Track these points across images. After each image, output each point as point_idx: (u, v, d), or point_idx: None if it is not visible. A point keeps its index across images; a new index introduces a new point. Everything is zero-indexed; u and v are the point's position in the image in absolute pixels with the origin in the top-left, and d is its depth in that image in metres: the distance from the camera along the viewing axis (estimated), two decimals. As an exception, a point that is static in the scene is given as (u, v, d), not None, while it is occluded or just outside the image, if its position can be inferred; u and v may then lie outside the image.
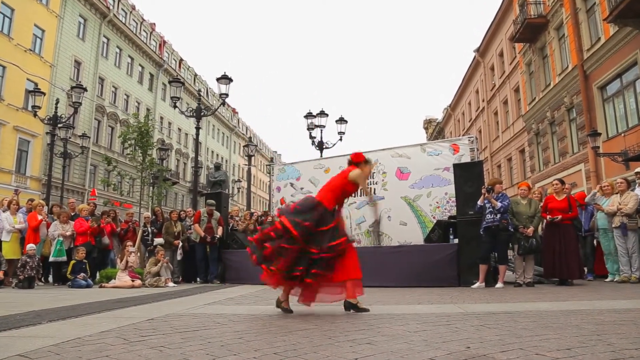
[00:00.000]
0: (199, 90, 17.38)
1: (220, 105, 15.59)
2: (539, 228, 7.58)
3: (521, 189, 7.65)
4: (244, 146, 25.18)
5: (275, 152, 70.47)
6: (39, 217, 8.93)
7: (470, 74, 33.36)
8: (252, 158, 21.35)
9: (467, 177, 7.73)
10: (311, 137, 16.14)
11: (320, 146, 15.99)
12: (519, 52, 23.54)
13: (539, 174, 21.32)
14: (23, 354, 2.37)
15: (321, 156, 15.18)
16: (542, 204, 7.60)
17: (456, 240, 7.81)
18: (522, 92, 23.56)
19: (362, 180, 4.26)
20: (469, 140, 9.52)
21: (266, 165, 47.91)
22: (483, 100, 30.60)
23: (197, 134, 13.61)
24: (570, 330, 2.83)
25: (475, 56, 30.97)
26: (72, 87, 16.77)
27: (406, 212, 9.63)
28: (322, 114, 16.06)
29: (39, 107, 15.49)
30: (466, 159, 9.04)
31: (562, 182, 7.63)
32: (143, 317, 3.63)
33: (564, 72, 18.64)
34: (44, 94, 16.31)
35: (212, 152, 48.73)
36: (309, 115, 16.15)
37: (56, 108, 16.17)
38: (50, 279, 9.50)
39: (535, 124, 21.81)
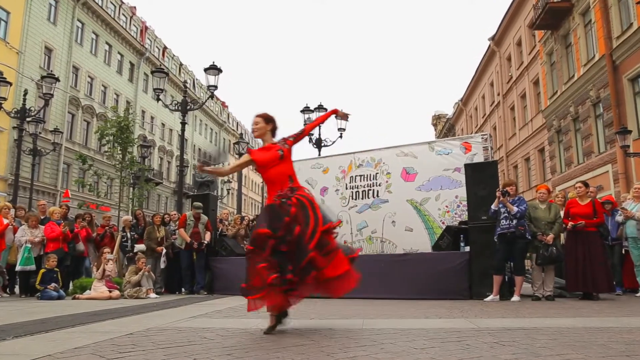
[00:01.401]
0: (185, 82, 17.39)
1: (208, 99, 15.59)
2: (561, 236, 7.60)
3: (540, 192, 7.65)
4: (234, 143, 25.18)
5: (269, 150, 70.35)
6: (5, 221, 8.91)
7: (485, 64, 33.43)
8: (243, 156, 21.32)
9: (480, 178, 7.74)
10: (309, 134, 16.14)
11: (319, 144, 16.04)
12: (539, 41, 23.61)
13: (561, 176, 21.37)
14: (-12, 372, 2.38)
15: (319, 155, 15.23)
16: (563, 209, 7.62)
17: (467, 248, 7.81)
18: (543, 85, 23.62)
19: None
20: (483, 138, 9.54)
21: (258, 164, 47.83)
22: (498, 94, 30.66)
23: (183, 130, 13.61)
24: (595, 349, 2.84)
25: (490, 45, 31.03)
26: (43, 77, 16.72)
27: (412, 216, 9.65)
28: (321, 108, 16.08)
29: (5, 99, 15.42)
30: (479, 158, 9.06)
31: (585, 184, 7.64)
32: (121, 332, 3.64)
33: (590, 62, 18.70)
34: (10, 84, 16.22)
35: (200, 149, 48.74)
36: (306, 110, 16.18)
37: (24, 100, 16.14)
38: (17, 289, 9.49)
39: (556, 120, 21.87)
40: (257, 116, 4.10)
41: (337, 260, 3.74)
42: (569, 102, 20.52)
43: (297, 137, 4.11)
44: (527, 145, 26.36)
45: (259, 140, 4.16)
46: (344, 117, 4.36)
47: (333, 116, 4.48)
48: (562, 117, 21.30)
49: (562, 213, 7.47)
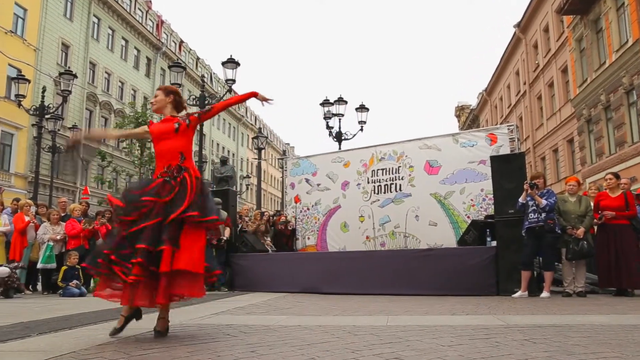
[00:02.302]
0: (202, 76, 17.52)
1: (226, 93, 15.68)
2: (596, 229, 7.47)
3: (570, 184, 7.55)
4: (253, 138, 25.35)
5: (288, 144, 70.74)
6: (26, 219, 9.11)
7: (510, 53, 32.99)
8: (263, 151, 21.46)
9: (507, 171, 7.67)
10: (328, 127, 16.17)
11: (339, 137, 16.02)
12: (567, 27, 23.19)
13: (591, 167, 21.00)
14: (13, 369, 2.44)
15: (339, 148, 15.22)
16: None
17: (494, 243, 7.75)
18: (571, 73, 23.21)
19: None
20: (509, 129, 9.42)
21: (278, 159, 48.16)
22: (524, 83, 30.23)
23: (202, 125, 13.70)
24: (632, 348, 2.80)
25: (515, 32, 30.60)
26: (61, 74, 17.06)
27: (436, 211, 9.59)
28: (341, 101, 16.08)
29: (24, 96, 15.78)
30: (505, 150, 8.96)
31: (616, 176, 7.51)
32: (144, 329, 3.69)
33: (623, 48, 18.26)
34: (28, 81, 16.60)
35: (218, 144, 49.10)
36: (325, 103, 16.18)
37: (43, 97, 16.46)
38: (39, 286, 9.70)
39: (586, 109, 21.48)
40: (158, 89, 3.90)
41: (196, 258, 3.39)
42: (599, 90, 20.12)
43: (203, 115, 3.83)
44: (556, 136, 25.96)
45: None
46: (265, 100, 4.08)
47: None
48: (593, 105, 20.91)
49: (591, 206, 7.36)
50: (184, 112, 3.81)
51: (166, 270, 3.27)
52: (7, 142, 24.48)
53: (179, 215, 3.36)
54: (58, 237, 9.19)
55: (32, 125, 21.04)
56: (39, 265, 9.05)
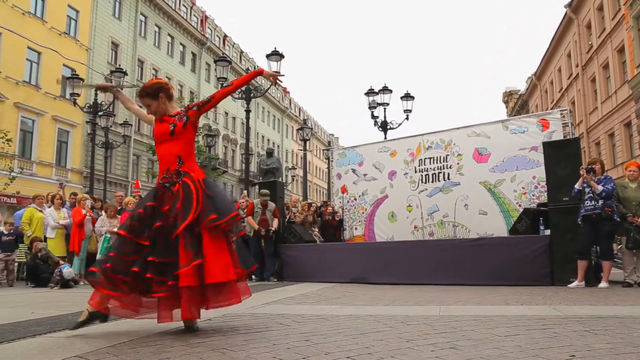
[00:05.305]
0: (247, 69, 17.76)
1: (272, 85, 15.81)
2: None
3: (630, 169, 7.25)
4: (297, 129, 25.44)
5: (332, 135, 70.81)
6: (83, 212, 9.50)
7: (561, 34, 31.88)
8: (307, 142, 21.55)
9: (561, 157, 7.44)
10: (373, 116, 16.08)
11: (384, 127, 15.91)
12: (624, 4, 22.17)
13: (650, 152, 20.10)
14: (81, 355, 2.57)
15: (385, 138, 15.12)
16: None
17: (547, 232, 7.55)
18: (629, 53, 22.20)
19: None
20: (561, 113, 9.13)
21: (323, 150, 48.24)
22: (577, 66, 29.17)
23: (248, 118, 13.91)
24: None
25: (566, 12, 29.55)
26: (112, 72, 17.64)
27: (486, 199, 9.42)
28: (385, 90, 15.96)
29: (78, 95, 16.42)
30: (558, 136, 8.71)
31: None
32: (199, 318, 3.80)
33: (682, 25, 17.36)
34: (82, 80, 17.25)
35: (263, 137, 49.67)
36: (370, 92, 16.09)
37: (96, 95, 17.06)
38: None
39: (645, 90, 20.54)
40: (141, 96, 3.49)
41: (224, 266, 3.22)
42: (659, 70, 19.19)
43: (203, 106, 3.49)
44: (611, 120, 24.94)
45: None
46: (271, 77, 3.94)
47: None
48: (652, 87, 19.97)
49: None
50: (175, 106, 3.58)
51: (192, 284, 3.10)
52: (63, 139, 25.56)
53: (191, 222, 3.17)
54: (115, 230, 9.54)
55: (86, 122, 21.89)
56: (98, 257, 9.41)
